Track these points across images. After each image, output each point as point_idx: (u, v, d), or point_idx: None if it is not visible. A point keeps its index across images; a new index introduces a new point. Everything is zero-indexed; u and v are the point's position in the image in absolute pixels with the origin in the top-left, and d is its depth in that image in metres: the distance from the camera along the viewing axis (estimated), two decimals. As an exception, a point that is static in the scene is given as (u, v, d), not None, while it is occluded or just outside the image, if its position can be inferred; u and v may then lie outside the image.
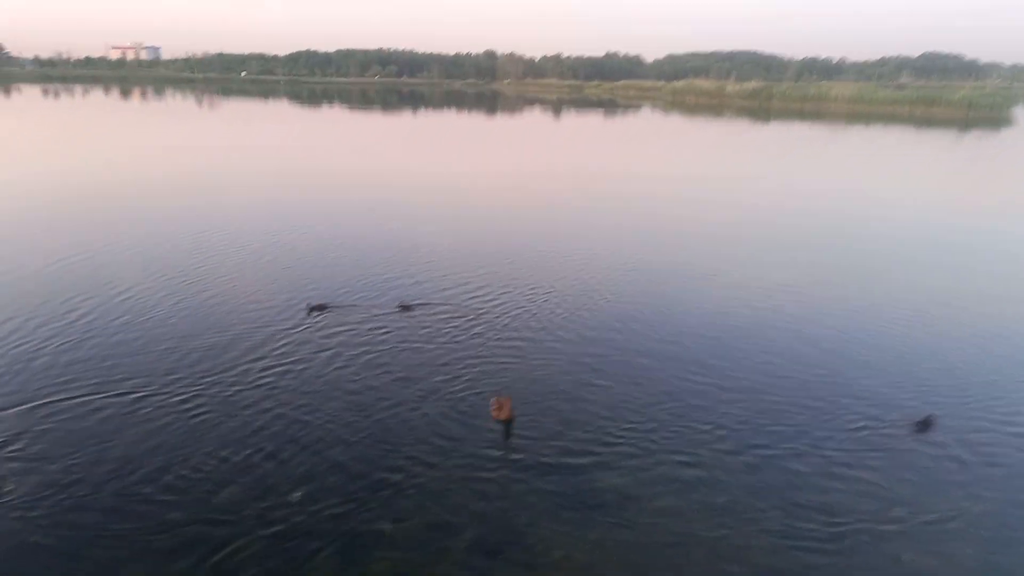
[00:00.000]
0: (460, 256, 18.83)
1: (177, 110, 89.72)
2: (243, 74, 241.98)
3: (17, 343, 11.98)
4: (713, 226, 23.79)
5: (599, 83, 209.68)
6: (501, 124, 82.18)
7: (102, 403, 10.10)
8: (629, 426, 9.86)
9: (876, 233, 23.24)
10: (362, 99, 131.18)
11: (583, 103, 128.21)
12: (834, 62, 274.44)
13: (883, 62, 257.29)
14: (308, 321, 13.66)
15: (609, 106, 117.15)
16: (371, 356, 12.17)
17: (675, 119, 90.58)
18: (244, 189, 30.01)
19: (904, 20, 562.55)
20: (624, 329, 13.73)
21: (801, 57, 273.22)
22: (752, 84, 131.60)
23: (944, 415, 10.39)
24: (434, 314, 14.32)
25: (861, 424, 10.17)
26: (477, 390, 10.92)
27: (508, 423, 9.91)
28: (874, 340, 13.51)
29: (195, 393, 10.46)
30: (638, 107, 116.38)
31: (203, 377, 10.99)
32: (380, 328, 13.50)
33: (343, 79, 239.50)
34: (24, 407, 9.83)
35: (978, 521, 8.04)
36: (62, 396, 10.20)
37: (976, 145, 58.55)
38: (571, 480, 8.56)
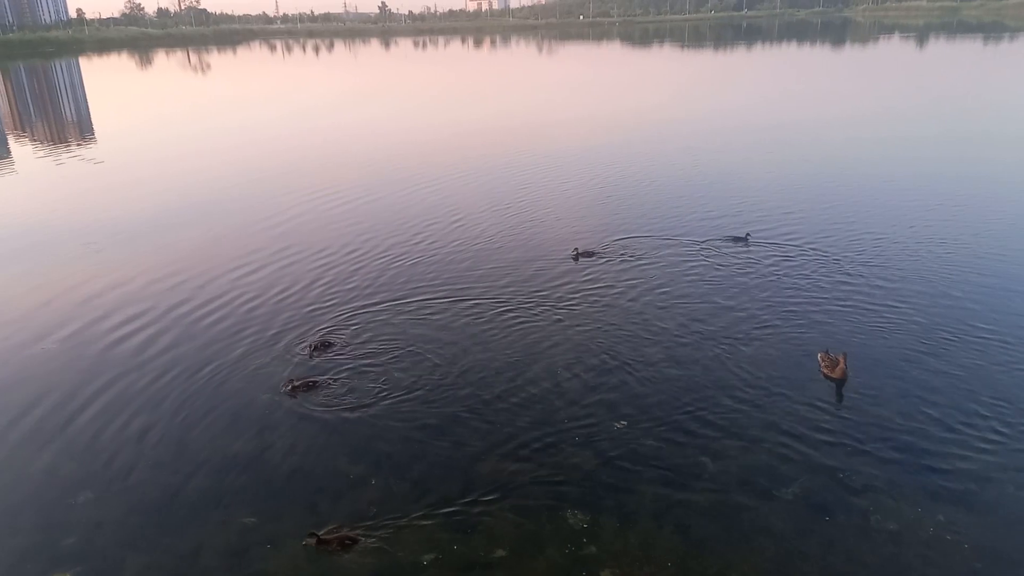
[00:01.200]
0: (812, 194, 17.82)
1: (515, 57, 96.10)
2: (580, 18, 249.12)
3: (377, 256, 14.69)
4: None
5: (982, 2, 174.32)
6: (842, 57, 73.37)
7: (438, 305, 12.14)
8: (982, 416, 8.50)
9: None
10: (694, 36, 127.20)
11: (958, 28, 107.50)
12: None
13: None
14: (626, 253, 14.23)
15: (994, 31, 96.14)
16: (683, 289, 12.35)
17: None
18: (567, 131, 31.44)
19: None
20: (996, 307, 11.76)
21: None
22: None
23: None
24: (772, 253, 14.04)
25: None
26: (802, 341, 10.39)
27: (840, 382, 9.26)
28: None
29: (519, 305, 11.65)
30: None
31: (527, 292, 12.15)
32: (703, 262, 13.59)
33: (677, 16, 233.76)
34: (386, 303, 11.93)
35: None
36: (406, 299, 12.27)
37: None
38: (911, 457, 7.76)
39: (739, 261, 13.78)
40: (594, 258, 14.24)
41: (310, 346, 10.71)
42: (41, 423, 9.01)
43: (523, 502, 7.24)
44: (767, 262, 13.67)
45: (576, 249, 14.57)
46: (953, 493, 7.18)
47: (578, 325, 11.28)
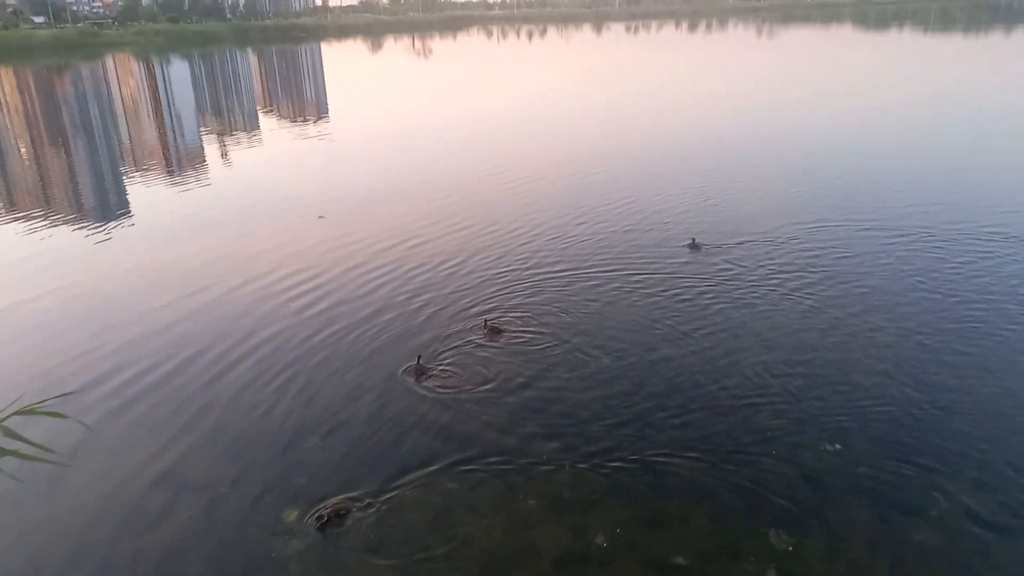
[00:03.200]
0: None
1: (726, 40, 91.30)
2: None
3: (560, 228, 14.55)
4: None
5: None
6: None
7: (620, 285, 11.54)
8: None
9: None
10: (941, 19, 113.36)
11: None
12: None
13: None
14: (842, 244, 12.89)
15: None
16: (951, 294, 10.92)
17: None
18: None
19: None
20: None
21: None
22: None
23: None
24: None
25: None
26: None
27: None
28: None
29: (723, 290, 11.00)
30: None
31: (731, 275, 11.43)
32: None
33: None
34: (552, 274, 11.80)
35: None
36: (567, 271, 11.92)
37: None
38: None
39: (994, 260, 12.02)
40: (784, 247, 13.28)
41: (486, 326, 10.64)
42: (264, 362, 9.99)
43: (717, 510, 6.80)
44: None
45: (693, 238, 14.02)
46: None
47: (793, 321, 10.44)
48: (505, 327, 10.70)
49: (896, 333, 10.05)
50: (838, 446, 7.61)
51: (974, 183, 18.07)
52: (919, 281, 11.77)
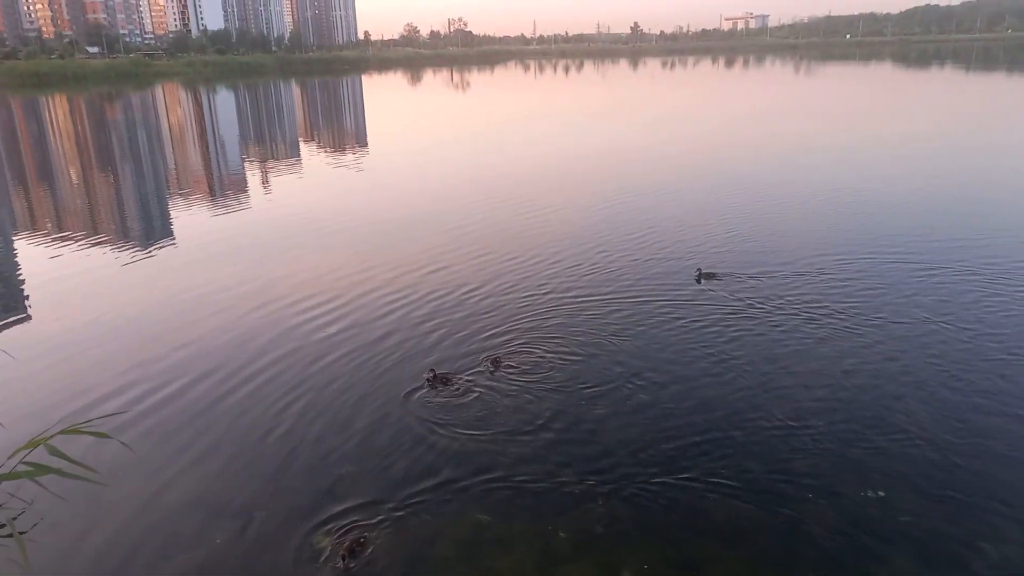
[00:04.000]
0: None
1: (764, 77, 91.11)
2: (847, 36, 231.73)
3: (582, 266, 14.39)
4: None
5: None
6: None
7: (638, 312, 11.30)
8: None
9: None
10: (983, 58, 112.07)
11: None
12: None
13: None
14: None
15: None
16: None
17: None
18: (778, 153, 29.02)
19: None
20: None
21: None
22: None
23: None
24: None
25: None
26: None
27: None
28: None
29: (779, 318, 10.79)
30: None
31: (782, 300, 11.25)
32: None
33: (964, 35, 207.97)
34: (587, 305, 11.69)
35: None
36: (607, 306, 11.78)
37: None
38: None
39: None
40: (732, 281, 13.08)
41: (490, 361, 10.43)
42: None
43: (753, 554, 6.58)
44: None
45: (699, 269, 13.90)
46: None
47: (827, 355, 10.19)
48: (517, 357, 10.62)
49: (933, 374, 9.76)
50: (881, 493, 7.37)
51: (999, 218, 17.80)
52: (955, 318, 11.44)
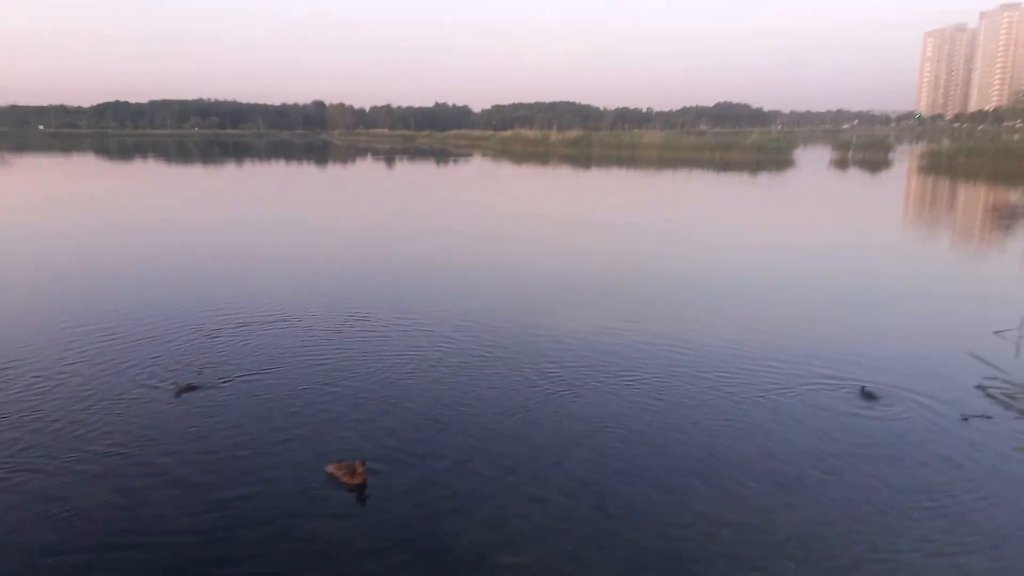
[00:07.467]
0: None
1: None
2: (40, 127, 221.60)
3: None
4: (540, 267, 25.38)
5: (430, 133, 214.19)
6: (333, 175, 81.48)
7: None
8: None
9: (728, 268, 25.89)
10: (180, 152, 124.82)
11: (416, 153, 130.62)
12: (643, 111, 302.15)
13: (684, 111, 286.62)
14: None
15: (441, 155, 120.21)
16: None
17: (506, 167, 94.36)
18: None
19: (701, 75, 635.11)
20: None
21: (615, 107, 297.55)
22: (573, 133, 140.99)
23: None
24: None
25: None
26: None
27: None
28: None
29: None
30: (469, 155, 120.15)
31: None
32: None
33: (157, 131, 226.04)
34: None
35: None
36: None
37: (768, 184, 66.27)
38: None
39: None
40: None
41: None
42: None
43: None
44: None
45: (176, 383, 12.69)
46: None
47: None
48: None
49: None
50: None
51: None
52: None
